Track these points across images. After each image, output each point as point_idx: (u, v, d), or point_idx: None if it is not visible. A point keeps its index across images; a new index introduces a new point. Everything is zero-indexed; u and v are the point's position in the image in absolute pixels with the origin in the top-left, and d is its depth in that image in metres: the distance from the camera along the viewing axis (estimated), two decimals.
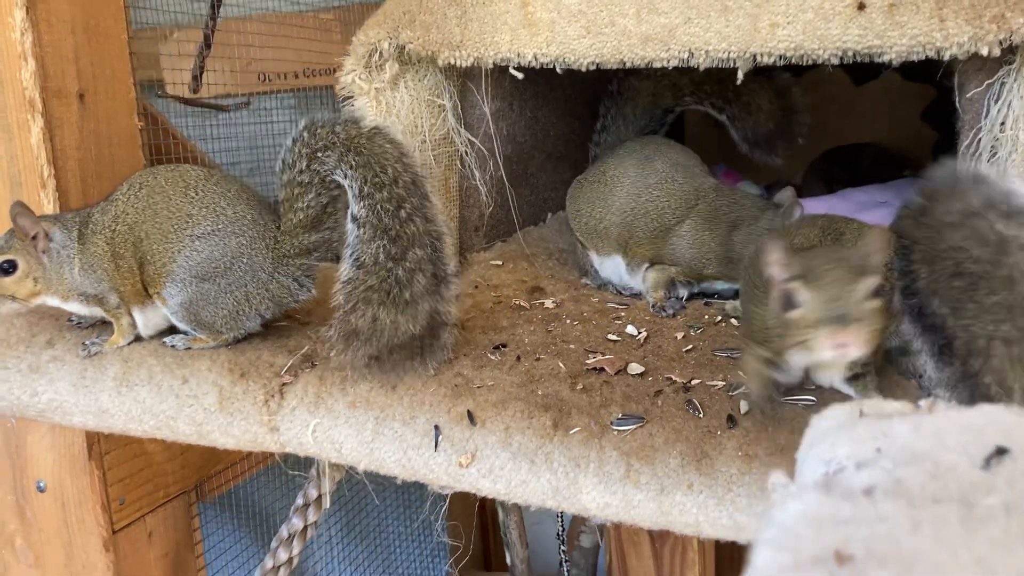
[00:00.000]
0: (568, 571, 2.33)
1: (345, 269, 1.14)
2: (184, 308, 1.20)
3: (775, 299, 0.91)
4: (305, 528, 1.72)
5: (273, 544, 1.73)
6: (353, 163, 1.15)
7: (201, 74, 2.37)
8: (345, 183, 1.17)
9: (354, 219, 1.15)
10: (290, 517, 1.72)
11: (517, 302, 1.33)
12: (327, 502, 1.63)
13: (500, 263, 1.48)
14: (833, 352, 0.86)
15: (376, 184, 1.14)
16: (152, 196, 1.22)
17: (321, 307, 1.33)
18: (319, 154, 1.17)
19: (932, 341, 0.89)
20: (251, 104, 2.34)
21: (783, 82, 1.61)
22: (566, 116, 1.73)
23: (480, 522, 3.20)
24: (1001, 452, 0.44)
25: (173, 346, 1.21)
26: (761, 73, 1.45)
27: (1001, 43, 1.06)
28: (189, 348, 1.21)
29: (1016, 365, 0.81)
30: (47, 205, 1.53)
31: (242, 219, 1.22)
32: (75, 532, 1.61)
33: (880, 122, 2.37)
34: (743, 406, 0.97)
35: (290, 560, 1.75)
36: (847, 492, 0.41)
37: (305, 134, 1.17)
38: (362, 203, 1.14)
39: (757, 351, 0.96)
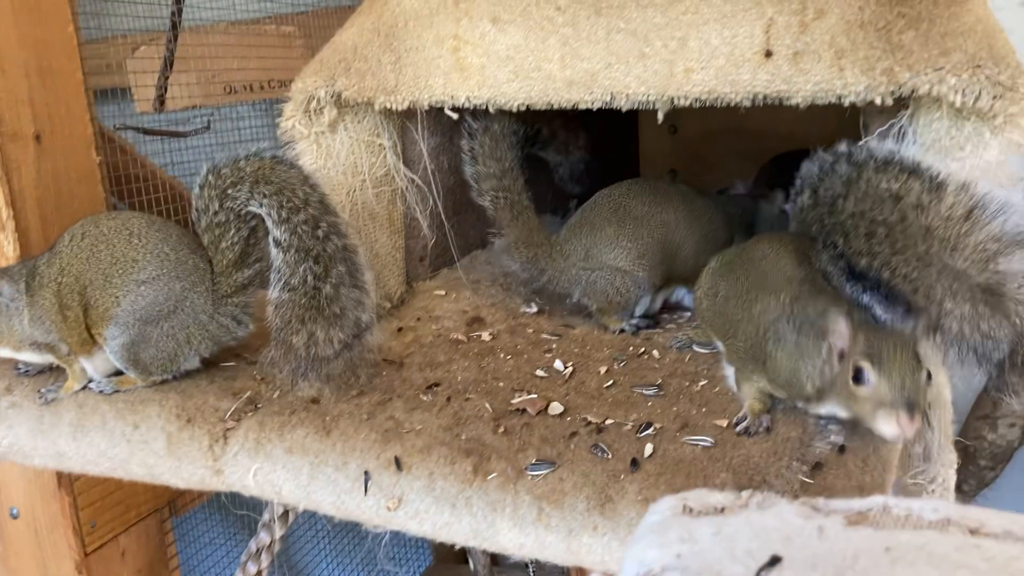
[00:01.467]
0: (534, 571, 2.42)
1: (275, 293, 1.23)
2: (125, 349, 1.26)
3: (834, 367, 1.01)
4: (271, 542, 1.80)
5: (243, 558, 1.81)
6: (265, 192, 1.23)
7: (164, 94, 2.41)
8: (262, 211, 1.24)
9: (277, 244, 1.23)
10: (258, 532, 1.80)
11: (456, 335, 1.40)
12: (291, 518, 1.71)
13: (444, 292, 1.54)
14: (895, 433, 0.97)
15: (291, 208, 1.23)
16: (96, 245, 1.27)
17: (265, 345, 1.40)
18: (229, 191, 1.25)
19: (877, 294, 1.05)
20: (210, 126, 2.38)
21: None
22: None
23: None
24: (774, 562, 0.50)
25: (100, 391, 1.28)
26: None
27: (891, 94, 1.12)
28: (116, 391, 1.28)
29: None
30: (7, 246, 1.59)
31: (184, 263, 1.28)
32: (49, 556, 1.69)
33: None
34: (647, 448, 1.04)
35: (259, 573, 1.83)
36: None
37: (211, 177, 1.25)
38: (282, 227, 1.23)
39: (760, 385, 1.09)
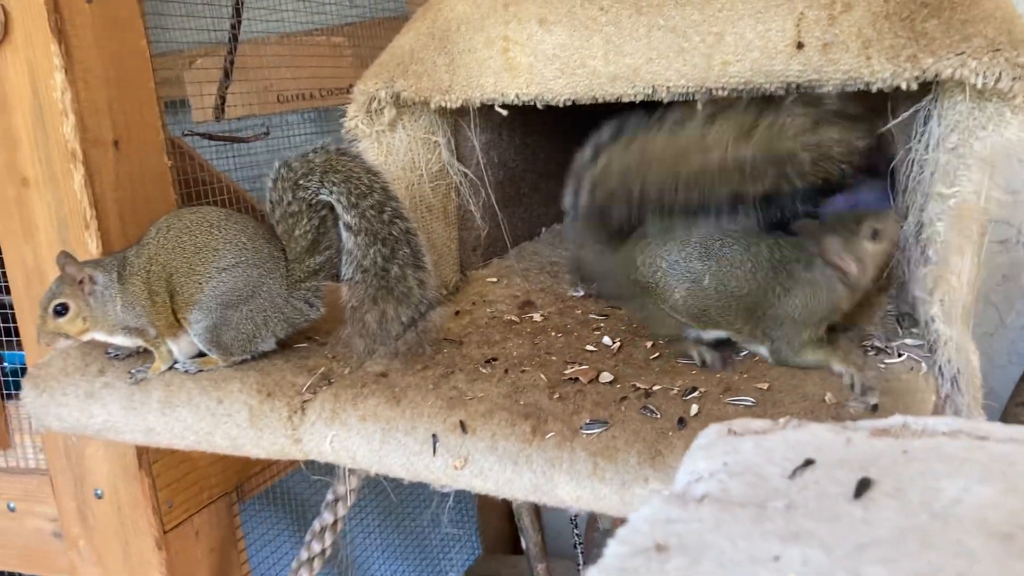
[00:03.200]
0: (582, 553, 2.51)
1: (349, 273, 1.34)
2: (208, 332, 1.38)
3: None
4: (335, 522, 1.90)
5: (307, 537, 1.92)
6: (334, 180, 1.35)
7: (223, 103, 2.55)
8: (332, 199, 1.35)
9: (348, 228, 1.35)
10: (321, 512, 1.91)
11: (509, 317, 1.50)
12: (352, 499, 1.82)
13: (496, 279, 1.64)
14: None
15: (359, 194, 1.34)
16: (180, 236, 1.39)
17: (337, 328, 1.51)
18: (301, 182, 1.36)
19: None
20: (269, 133, 2.51)
21: None
22: (553, 137, 1.88)
23: (507, 507, 3.38)
24: (808, 463, 0.58)
25: (186, 371, 1.39)
26: None
27: (916, 79, 1.19)
28: (200, 371, 1.39)
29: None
30: (91, 243, 1.71)
31: (260, 252, 1.39)
32: (131, 533, 1.81)
33: None
34: (693, 409, 1.13)
35: (323, 551, 1.94)
36: (687, 499, 0.56)
37: (283, 171, 1.36)
38: (352, 212, 1.34)
39: (818, 334, 1.25)
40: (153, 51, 2.90)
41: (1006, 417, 2.33)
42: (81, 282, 1.38)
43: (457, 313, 1.53)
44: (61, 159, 1.69)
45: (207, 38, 2.56)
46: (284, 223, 1.38)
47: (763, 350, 1.28)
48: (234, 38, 2.35)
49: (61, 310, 1.37)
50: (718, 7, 1.34)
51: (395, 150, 1.55)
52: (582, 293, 1.60)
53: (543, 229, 1.90)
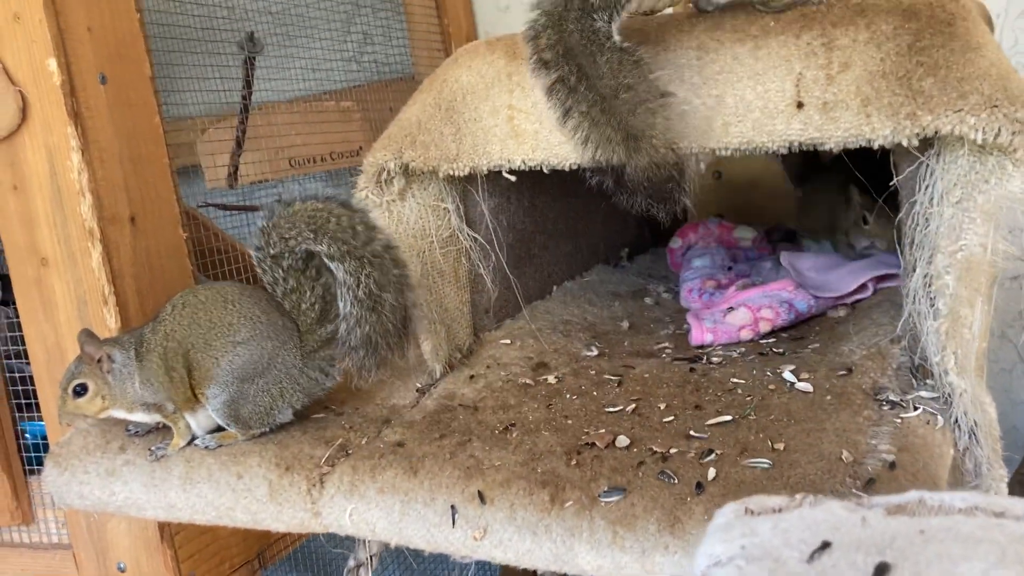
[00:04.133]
0: None
1: (347, 308, 1.39)
2: (226, 406, 1.39)
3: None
4: None
5: None
6: (314, 232, 1.38)
7: (236, 171, 2.60)
8: (317, 248, 1.38)
9: (331, 258, 1.39)
10: None
11: (524, 380, 1.50)
12: (373, 565, 1.81)
13: (509, 341, 1.65)
14: None
15: (340, 239, 1.38)
16: (195, 312, 1.42)
17: (353, 397, 1.53)
18: (282, 261, 1.41)
19: None
20: (282, 199, 2.55)
21: None
22: (562, 197, 1.91)
23: (531, 571, 3.32)
24: (824, 546, 0.59)
25: (206, 446, 1.40)
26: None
27: (917, 135, 1.21)
28: (220, 445, 1.40)
29: None
30: (109, 318, 1.74)
31: (274, 324, 1.41)
32: None
33: None
34: (711, 473, 1.13)
35: None
36: None
37: (259, 255, 1.42)
38: (340, 264, 1.37)
39: None
40: (166, 119, 2.97)
41: None
42: (99, 361, 1.40)
43: (472, 377, 1.54)
44: (79, 238, 1.72)
45: (219, 102, 2.61)
46: (289, 299, 1.41)
47: None
48: (245, 108, 2.40)
49: (80, 390, 1.39)
50: (717, 70, 1.37)
51: (406, 219, 1.57)
52: (596, 353, 1.60)
53: (554, 287, 1.92)
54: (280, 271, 1.40)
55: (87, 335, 1.41)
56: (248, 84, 2.33)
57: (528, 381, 1.50)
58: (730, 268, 1.96)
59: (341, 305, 1.38)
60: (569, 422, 1.33)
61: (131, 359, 1.41)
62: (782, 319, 1.62)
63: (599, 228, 2.12)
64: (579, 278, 2.00)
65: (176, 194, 1.98)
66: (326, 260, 1.38)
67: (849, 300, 1.70)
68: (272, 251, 1.39)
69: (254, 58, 2.29)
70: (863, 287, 1.70)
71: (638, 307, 1.88)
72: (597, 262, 2.11)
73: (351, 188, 2.81)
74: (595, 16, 1.27)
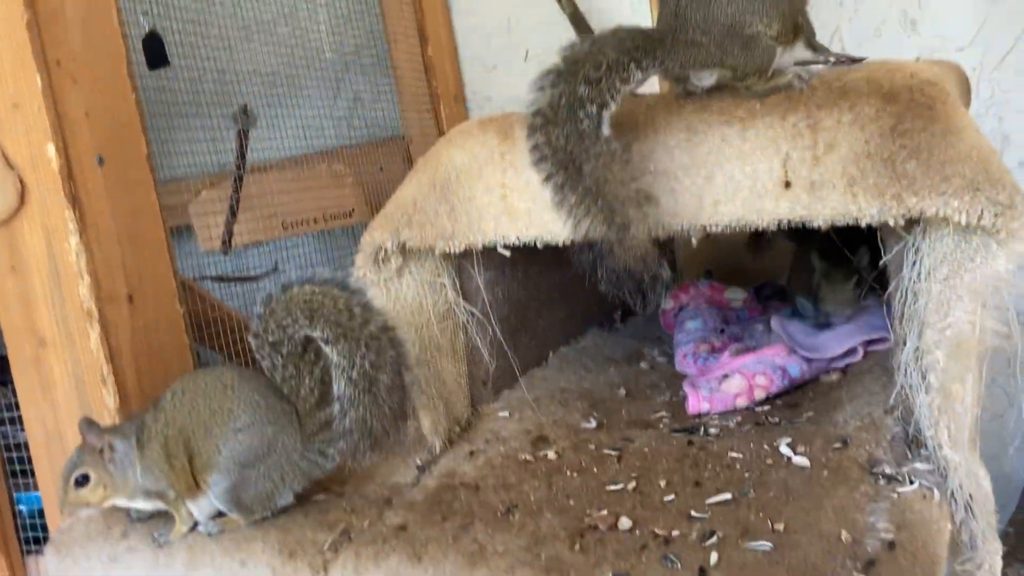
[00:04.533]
0: None
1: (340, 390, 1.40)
2: (227, 493, 1.40)
3: None
4: None
5: None
6: (309, 318, 1.39)
7: (230, 238, 2.62)
8: (313, 333, 1.39)
9: (335, 360, 1.39)
10: None
11: (524, 456, 1.52)
12: None
13: (507, 414, 1.67)
14: None
15: (336, 322, 1.39)
16: (195, 398, 1.42)
17: (353, 476, 1.53)
18: (281, 348, 1.42)
19: None
20: (278, 268, 2.57)
21: None
22: (555, 264, 1.92)
23: None
24: None
25: (208, 532, 1.41)
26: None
27: (902, 216, 1.24)
28: (223, 531, 1.40)
29: None
30: (108, 398, 1.74)
31: (274, 408, 1.42)
32: None
33: None
34: (712, 557, 1.14)
35: None
36: None
37: (256, 343, 1.43)
38: (333, 347, 1.39)
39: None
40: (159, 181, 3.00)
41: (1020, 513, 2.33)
42: (101, 450, 1.41)
43: (471, 453, 1.55)
44: (77, 318, 1.74)
45: (212, 163, 2.63)
46: (288, 384, 1.42)
47: None
48: (239, 179, 2.42)
49: (82, 480, 1.40)
50: (706, 150, 1.40)
51: (403, 295, 1.60)
52: (594, 425, 1.62)
53: (551, 354, 1.94)
54: (279, 358, 1.42)
55: (88, 424, 1.42)
56: (242, 155, 2.36)
57: (528, 457, 1.51)
58: (722, 330, 1.98)
59: (335, 387, 1.40)
60: (571, 502, 1.35)
61: (132, 448, 1.42)
62: (776, 385, 1.64)
63: (592, 291, 2.13)
64: (574, 343, 2.02)
65: (173, 269, 2.00)
66: (321, 344, 1.39)
67: (840, 364, 1.72)
68: (270, 339, 1.41)
69: (247, 130, 2.32)
70: (853, 350, 1.72)
71: (634, 372, 1.90)
72: (591, 325, 2.13)
73: (342, 249, 2.84)
74: (583, 112, 1.31)
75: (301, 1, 3.37)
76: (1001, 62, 2.58)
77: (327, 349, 1.39)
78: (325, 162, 3.15)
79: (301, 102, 3.33)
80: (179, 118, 2.83)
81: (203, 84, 3.20)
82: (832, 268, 1.78)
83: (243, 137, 2.34)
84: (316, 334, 1.39)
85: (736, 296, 2.17)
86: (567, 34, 2.90)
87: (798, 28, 1.45)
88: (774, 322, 1.86)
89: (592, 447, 1.53)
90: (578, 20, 2.86)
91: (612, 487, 1.38)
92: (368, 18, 3.28)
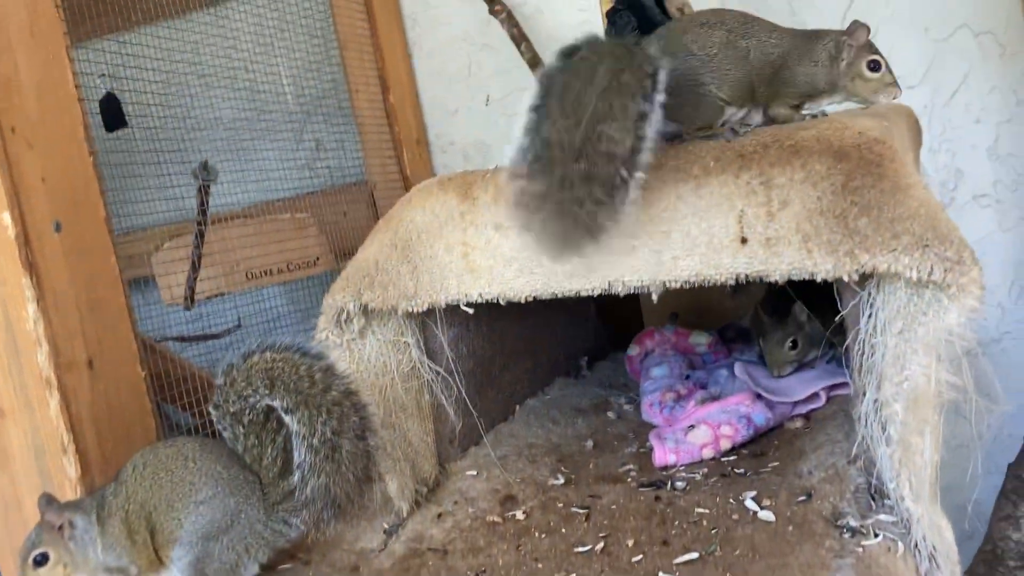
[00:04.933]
0: None
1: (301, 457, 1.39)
2: (191, 567, 1.37)
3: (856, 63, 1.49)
4: None
5: None
6: (270, 387, 1.38)
7: (193, 293, 2.59)
8: (274, 402, 1.39)
9: (295, 428, 1.39)
10: None
11: (492, 518, 1.51)
12: None
13: (475, 472, 1.66)
14: (899, 93, 1.54)
15: (296, 389, 1.38)
16: (156, 472, 1.40)
17: (319, 542, 1.51)
18: (243, 417, 1.41)
19: None
20: (241, 325, 2.55)
21: None
22: (520, 316, 1.93)
23: None
24: None
25: None
26: None
27: (856, 271, 1.26)
28: None
29: None
30: (69, 468, 1.71)
31: (236, 479, 1.41)
32: None
33: None
34: None
35: None
36: None
37: (217, 414, 1.42)
38: (293, 416, 1.38)
39: (789, 102, 1.52)
40: (117, 230, 2.98)
41: (992, 533, 2.34)
42: (61, 528, 1.38)
43: (439, 516, 1.54)
44: (36, 387, 1.71)
45: (176, 210, 2.61)
46: (250, 454, 1.41)
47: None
48: (200, 234, 2.41)
49: (41, 560, 1.37)
50: (663, 208, 1.42)
51: (367, 357, 1.59)
52: (562, 481, 1.61)
53: (517, 407, 1.93)
54: (240, 428, 1.41)
55: (47, 501, 1.39)
56: (203, 211, 2.35)
57: (496, 518, 1.50)
58: (688, 376, 1.99)
59: (296, 455, 1.39)
60: (539, 565, 1.34)
61: (93, 524, 1.39)
62: (741, 435, 1.65)
63: (558, 340, 2.15)
64: (541, 395, 2.02)
65: (134, 330, 1.98)
66: (281, 412, 1.38)
67: (804, 409, 1.74)
68: (231, 409, 1.39)
69: (208, 185, 2.31)
70: (816, 395, 1.74)
71: (601, 423, 1.90)
72: (558, 374, 2.14)
73: (311, 299, 2.82)
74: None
75: (263, 51, 3.38)
76: (951, 99, 2.64)
77: (287, 418, 1.38)
78: (288, 211, 3.14)
79: (264, 150, 3.33)
80: (142, 166, 2.82)
81: (166, 134, 3.18)
82: (772, 326, 1.80)
83: (204, 192, 2.33)
84: (276, 403, 1.38)
85: (700, 341, 2.18)
86: (527, 79, 2.94)
87: (755, 94, 1.48)
88: (738, 368, 1.87)
89: (560, 505, 1.52)
90: (537, 66, 2.89)
91: (580, 548, 1.37)
92: (329, 67, 3.30)
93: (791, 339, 1.78)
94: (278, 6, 3.39)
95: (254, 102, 3.41)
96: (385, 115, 3.32)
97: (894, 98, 1.55)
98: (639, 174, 1.31)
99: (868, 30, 1.51)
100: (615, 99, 1.31)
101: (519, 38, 2.93)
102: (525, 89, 3.23)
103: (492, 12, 3.00)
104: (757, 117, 1.58)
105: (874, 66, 1.51)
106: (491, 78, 3.17)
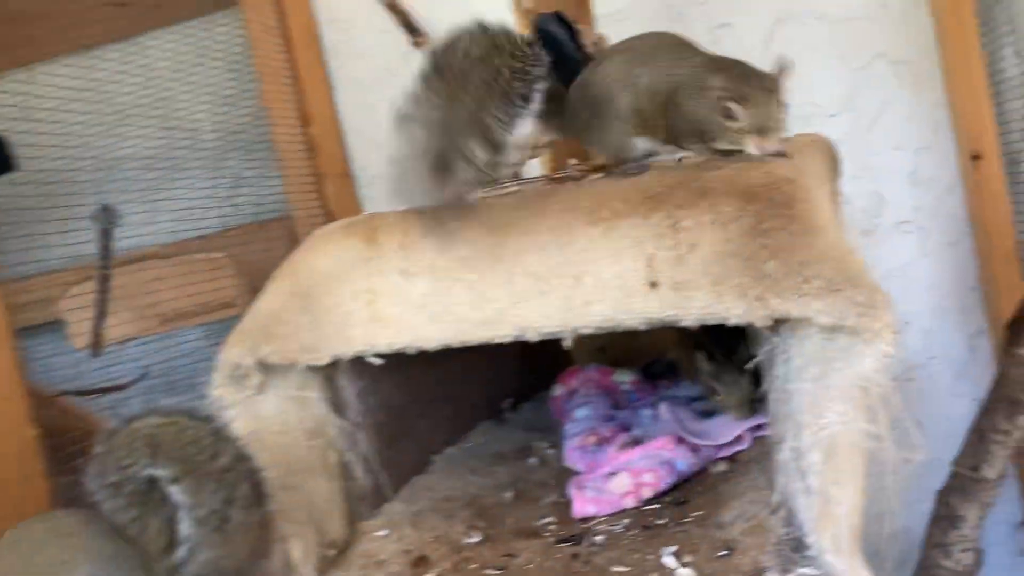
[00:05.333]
0: None
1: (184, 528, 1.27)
2: None
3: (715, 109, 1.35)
4: None
5: None
6: (152, 455, 1.27)
7: (99, 340, 2.46)
8: (156, 472, 1.27)
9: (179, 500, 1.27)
10: None
11: None
12: None
13: (386, 532, 1.57)
14: (757, 151, 1.35)
15: (181, 457, 1.27)
16: (31, 552, 1.29)
17: None
18: (123, 491, 1.29)
19: None
20: (147, 375, 2.44)
21: None
22: (437, 362, 1.84)
23: None
24: None
25: None
26: None
27: (768, 317, 1.22)
28: None
29: None
30: None
31: (118, 556, 1.30)
32: None
33: None
34: None
35: None
36: None
37: (93, 485, 1.29)
38: (176, 486, 1.27)
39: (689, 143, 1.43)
40: (16, 274, 2.84)
41: (926, 560, 2.32)
42: None
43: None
44: None
45: (85, 253, 2.48)
46: (132, 527, 1.30)
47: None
48: (104, 279, 2.29)
49: None
50: (574, 251, 1.36)
51: (265, 414, 1.50)
52: (478, 539, 1.53)
53: (435, 458, 1.85)
54: (121, 499, 1.29)
55: None
56: (105, 256, 2.23)
57: None
58: (612, 417, 1.93)
59: (180, 528, 1.28)
60: None
61: None
62: (664, 482, 1.59)
63: (479, 383, 2.07)
64: (461, 443, 1.94)
65: (23, 386, 1.85)
66: (164, 483, 1.28)
67: (728, 452, 1.69)
68: (111, 479, 1.29)
69: (111, 230, 2.20)
70: (740, 438, 1.69)
71: (522, 470, 1.82)
72: (480, 419, 2.06)
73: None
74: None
75: (177, 84, 3.27)
76: (872, 126, 2.65)
77: (171, 488, 1.28)
78: (205, 249, 3.03)
79: (179, 187, 3.21)
80: (49, 208, 2.69)
81: (70, 173, 3.05)
82: (721, 369, 1.71)
83: (106, 237, 2.21)
84: (159, 473, 1.27)
85: (624, 379, 2.13)
86: None
87: (655, 126, 1.44)
88: (663, 408, 1.82)
89: (474, 566, 1.44)
90: None
91: None
92: (247, 99, 3.20)
93: (747, 373, 1.67)
94: (194, 39, 3.30)
95: (168, 137, 3.30)
96: (307, 148, 3.23)
97: (764, 148, 1.34)
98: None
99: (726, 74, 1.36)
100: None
101: None
102: None
103: (414, 44, 2.94)
104: (674, 152, 1.54)
105: (727, 113, 1.35)
106: None
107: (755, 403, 1.67)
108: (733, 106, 1.33)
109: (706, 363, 1.72)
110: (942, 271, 2.61)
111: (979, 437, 2.18)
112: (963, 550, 2.31)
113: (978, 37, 2.34)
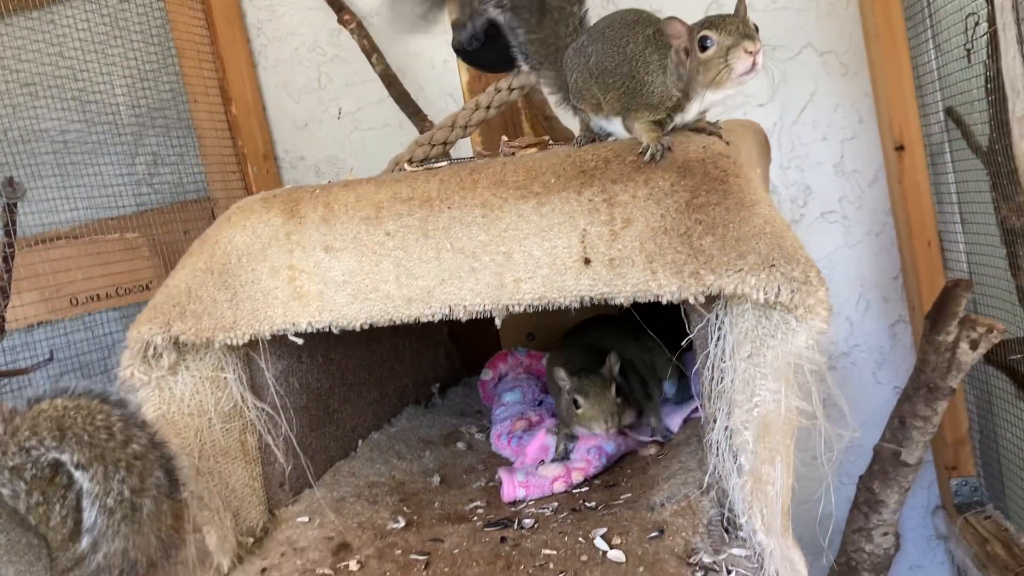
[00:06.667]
0: None
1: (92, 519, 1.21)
2: None
3: (685, 63, 1.27)
4: None
5: None
6: (58, 438, 1.20)
7: (3, 322, 2.33)
8: (62, 456, 1.21)
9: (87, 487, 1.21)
10: None
11: (322, 570, 1.36)
12: None
13: (307, 518, 1.51)
14: (748, 64, 1.23)
15: (90, 442, 1.20)
16: None
17: None
18: (25, 475, 1.21)
19: None
20: (53, 358, 2.31)
21: None
22: (362, 344, 1.80)
23: None
24: None
25: None
26: None
27: (702, 293, 1.19)
28: None
29: None
30: None
31: (16, 543, 1.21)
32: None
33: None
34: None
35: None
36: None
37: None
38: (84, 472, 1.20)
39: (648, 117, 1.31)
40: None
41: (845, 544, 2.36)
42: None
43: (263, 571, 1.38)
44: None
45: None
46: (34, 513, 1.21)
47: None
48: (7, 257, 2.16)
49: None
50: (503, 227, 1.32)
51: (179, 395, 1.42)
52: (403, 524, 1.48)
53: (360, 442, 1.79)
54: (22, 483, 1.21)
55: None
56: (9, 232, 2.10)
57: (327, 571, 1.36)
58: (541, 402, 1.90)
59: (87, 517, 1.20)
60: None
61: None
62: (594, 466, 1.56)
63: (407, 368, 2.02)
64: (387, 427, 1.88)
65: None
66: (70, 468, 1.20)
67: (658, 435, 1.67)
68: (11, 463, 1.20)
69: (15, 204, 2.07)
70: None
71: (450, 455, 1.78)
72: (407, 403, 2.00)
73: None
74: None
75: (94, 58, 3.12)
76: (799, 116, 2.67)
77: (77, 474, 1.19)
78: (118, 230, 2.89)
79: (96, 164, 3.07)
80: None
81: None
82: (585, 383, 1.60)
83: (9, 211, 2.08)
84: (65, 457, 1.19)
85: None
86: (379, 91, 2.80)
87: (598, 104, 1.40)
88: None
89: (399, 552, 1.39)
90: (389, 77, 2.76)
91: None
92: (167, 76, 3.07)
93: (613, 385, 1.60)
94: (109, 11, 3.14)
95: (84, 113, 3.14)
96: (228, 128, 3.12)
97: (753, 49, 1.22)
98: None
99: (678, 21, 1.28)
100: None
101: (369, 50, 2.79)
102: (379, 102, 3.07)
103: (341, 22, 2.86)
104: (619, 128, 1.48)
105: (704, 43, 1.25)
106: (343, 91, 3.02)
107: (618, 417, 1.59)
108: (708, 32, 1.25)
109: (570, 378, 1.62)
110: (865, 261, 2.65)
111: (900, 423, 2.21)
112: (883, 534, 2.35)
113: (905, 29, 2.37)
